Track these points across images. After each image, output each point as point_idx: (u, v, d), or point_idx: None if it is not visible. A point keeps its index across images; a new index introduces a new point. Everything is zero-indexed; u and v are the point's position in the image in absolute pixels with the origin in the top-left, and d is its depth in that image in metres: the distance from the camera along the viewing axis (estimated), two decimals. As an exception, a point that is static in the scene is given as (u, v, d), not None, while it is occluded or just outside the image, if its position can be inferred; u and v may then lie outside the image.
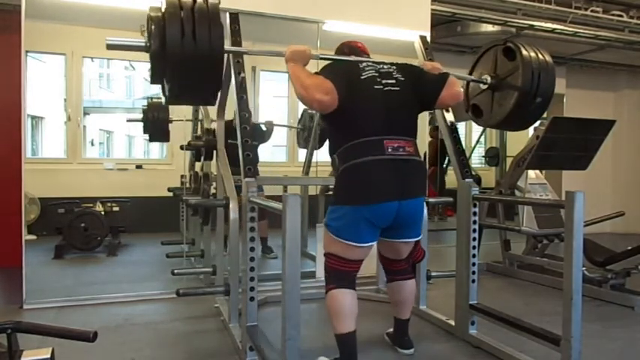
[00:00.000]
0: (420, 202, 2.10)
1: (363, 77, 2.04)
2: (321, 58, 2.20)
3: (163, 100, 2.10)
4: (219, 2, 1.97)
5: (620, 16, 5.06)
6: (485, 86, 2.69)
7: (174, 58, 1.82)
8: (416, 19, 3.48)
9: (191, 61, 1.83)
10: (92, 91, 6.39)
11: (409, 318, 2.39)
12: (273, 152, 6.22)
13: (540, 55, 2.58)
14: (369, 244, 2.07)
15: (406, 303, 2.35)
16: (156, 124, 4.45)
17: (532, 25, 4.83)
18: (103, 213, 4.70)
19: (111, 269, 4.25)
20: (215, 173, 3.53)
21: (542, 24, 4.83)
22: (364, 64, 2.12)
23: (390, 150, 1.95)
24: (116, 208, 4.88)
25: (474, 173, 2.92)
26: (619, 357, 2.50)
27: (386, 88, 2.04)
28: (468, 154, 3.62)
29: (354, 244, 2.01)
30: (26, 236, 3.32)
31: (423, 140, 4.86)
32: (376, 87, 2.03)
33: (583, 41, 5.26)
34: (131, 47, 2.05)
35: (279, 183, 3.90)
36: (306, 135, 4.85)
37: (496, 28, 4.94)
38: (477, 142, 7.33)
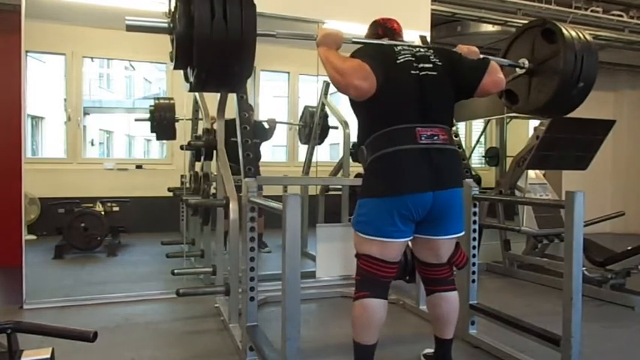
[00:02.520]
0: (458, 193, 1.92)
1: (399, 61, 1.90)
2: (354, 42, 2.05)
3: (187, 87, 1.92)
4: None
5: (620, 16, 5.06)
6: (523, 70, 2.49)
7: (203, 41, 1.63)
8: (416, 19, 3.48)
9: (222, 44, 1.65)
10: (92, 91, 6.39)
11: (452, 338, 2.09)
12: (273, 152, 6.23)
13: (582, 37, 2.38)
14: (404, 239, 1.89)
15: (448, 319, 2.05)
16: (163, 124, 4.50)
17: (532, 25, 4.83)
18: (103, 213, 4.70)
19: (111, 269, 4.25)
20: (215, 173, 3.53)
21: (542, 24, 4.82)
22: (399, 47, 1.97)
23: (423, 139, 1.82)
24: (116, 208, 4.88)
25: (473, 173, 2.90)
26: (619, 357, 2.50)
27: (422, 73, 1.89)
28: (468, 154, 3.62)
29: (387, 239, 1.83)
30: (26, 236, 3.32)
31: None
32: (412, 72, 1.88)
33: (583, 41, 5.26)
34: (153, 29, 1.90)
35: (279, 183, 3.90)
36: (307, 132, 4.86)
37: (496, 28, 4.95)
38: (477, 142, 7.32)
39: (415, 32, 3.39)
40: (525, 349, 2.31)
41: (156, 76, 6.69)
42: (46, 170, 5.10)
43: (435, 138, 1.84)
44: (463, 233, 2.06)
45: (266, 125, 4.80)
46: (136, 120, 5.27)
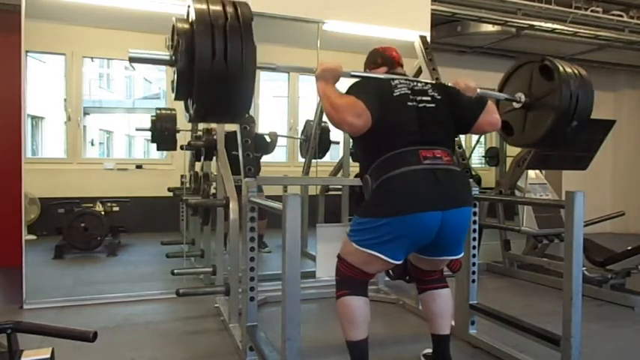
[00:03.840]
0: (468, 212, 1.90)
1: (395, 94, 1.91)
2: (352, 76, 2.06)
3: (187, 117, 1.96)
4: (252, 18, 1.79)
5: (620, 16, 5.06)
6: (519, 105, 2.53)
7: (203, 79, 1.66)
8: (416, 19, 3.47)
9: (222, 81, 1.67)
10: (92, 91, 6.40)
11: (449, 334, 2.11)
12: (273, 152, 6.22)
13: (579, 75, 2.44)
14: (398, 261, 1.86)
15: (444, 315, 2.10)
16: (164, 134, 4.46)
17: (532, 25, 4.84)
18: (103, 213, 4.71)
19: (111, 269, 4.25)
20: (215, 173, 3.53)
21: (542, 24, 4.83)
22: (396, 81, 1.98)
23: (426, 160, 1.80)
24: (116, 208, 4.88)
25: (473, 173, 2.90)
26: (619, 357, 2.50)
27: (420, 105, 1.91)
28: (467, 154, 3.62)
29: (383, 257, 1.80)
30: (26, 236, 3.32)
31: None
32: (409, 104, 1.90)
33: (583, 41, 5.26)
34: (155, 61, 1.94)
35: (279, 183, 3.90)
36: (308, 146, 4.81)
37: (496, 28, 4.95)
38: (477, 142, 7.32)
39: (415, 32, 3.39)
40: (525, 349, 2.31)
41: (156, 76, 6.69)
42: (46, 170, 5.10)
43: (439, 159, 1.83)
44: (463, 254, 2.07)
45: (267, 139, 4.82)
46: (137, 129, 5.27)
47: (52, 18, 3.93)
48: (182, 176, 4.79)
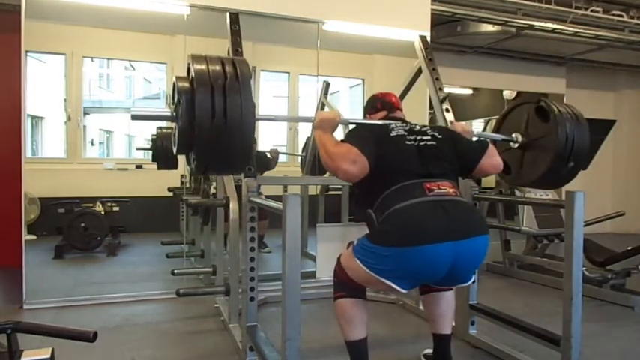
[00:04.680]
0: (484, 241, 1.77)
1: (392, 135, 1.91)
2: (350, 123, 2.08)
3: (188, 169, 1.99)
4: (251, 75, 1.82)
5: (620, 16, 5.06)
6: (516, 145, 2.57)
7: (204, 138, 1.69)
8: (416, 19, 3.48)
9: (221, 139, 1.69)
10: (92, 91, 6.39)
11: (450, 334, 2.11)
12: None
13: (574, 116, 2.46)
14: (403, 290, 1.77)
15: (446, 315, 2.09)
16: (164, 154, 4.43)
17: (532, 25, 4.83)
18: (103, 213, 4.70)
19: (111, 269, 4.25)
20: (215, 173, 3.53)
21: (542, 24, 4.83)
22: (393, 125, 1.97)
23: (431, 193, 1.75)
24: (116, 208, 4.87)
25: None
26: (619, 357, 2.50)
27: (421, 143, 1.89)
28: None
29: (393, 285, 1.73)
30: (26, 236, 3.32)
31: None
32: (407, 143, 1.88)
33: (583, 41, 5.26)
34: (157, 117, 2.00)
35: (279, 183, 3.89)
36: (310, 164, 4.75)
37: (496, 28, 4.94)
38: (477, 142, 7.33)
39: (415, 32, 3.39)
40: (525, 349, 2.31)
41: (156, 76, 6.69)
42: (46, 170, 5.09)
43: (444, 191, 1.78)
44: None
45: (268, 155, 4.82)
46: (138, 149, 5.26)
47: (52, 18, 3.93)
48: (182, 176, 4.79)
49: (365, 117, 2.26)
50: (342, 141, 1.89)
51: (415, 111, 4.21)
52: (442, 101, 3.00)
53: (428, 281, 1.88)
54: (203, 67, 1.73)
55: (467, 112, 7.36)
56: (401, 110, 2.22)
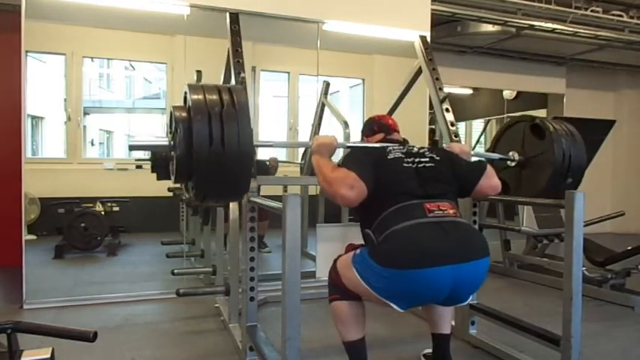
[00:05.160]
0: (484, 264, 1.75)
1: (389, 157, 1.90)
2: (347, 147, 2.08)
3: (186, 195, 2.00)
4: (247, 102, 1.81)
5: (620, 16, 5.06)
6: (513, 163, 2.59)
7: (202, 167, 1.70)
8: (416, 19, 3.47)
9: (219, 167, 1.70)
10: (92, 91, 6.38)
11: (449, 334, 2.11)
12: (273, 152, 6.21)
13: (569, 133, 2.47)
14: (399, 309, 1.76)
15: (445, 315, 2.09)
16: (164, 164, 4.42)
17: (532, 25, 4.83)
18: (103, 213, 4.70)
19: (111, 269, 4.25)
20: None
21: (542, 24, 4.82)
22: (390, 147, 1.96)
23: (431, 214, 1.73)
24: (116, 208, 4.87)
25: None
26: (619, 357, 2.50)
27: (420, 165, 1.88)
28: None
29: (391, 304, 1.72)
30: (26, 236, 3.32)
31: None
32: (405, 165, 1.87)
33: (583, 41, 5.26)
34: (155, 147, 2.00)
35: (279, 183, 3.89)
36: (309, 169, 4.75)
37: (496, 28, 4.94)
38: (477, 142, 7.33)
39: (415, 32, 3.39)
40: (525, 349, 2.31)
41: (156, 76, 6.68)
42: (46, 170, 5.09)
43: (444, 212, 1.76)
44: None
45: (268, 164, 4.82)
46: (137, 160, 5.25)
47: (52, 18, 3.93)
48: (182, 176, 4.79)
49: (362, 139, 2.26)
50: (339, 165, 1.87)
51: (415, 111, 4.21)
52: (442, 101, 3.00)
53: (427, 303, 1.87)
54: (200, 96, 1.73)
55: (467, 112, 7.37)
56: (398, 132, 2.21)
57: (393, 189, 1.80)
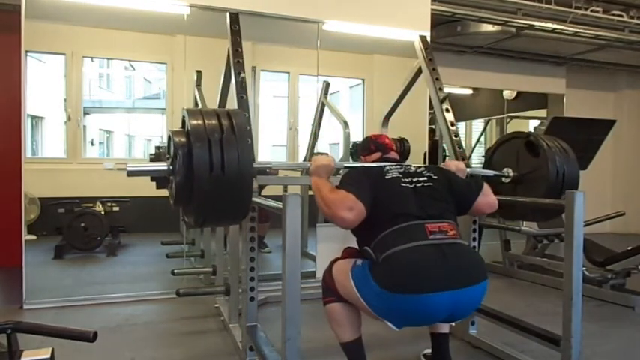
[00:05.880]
0: (482, 289, 1.75)
1: (387, 177, 1.91)
2: (345, 167, 2.11)
3: (186, 219, 2.01)
4: (247, 126, 1.83)
5: (620, 16, 5.06)
6: (508, 180, 2.61)
7: (202, 193, 1.69)
8: (416, 19, 3.48)
9: (220, 192, 1.70)
10: (92, 91, 6.38)
11: (448, 333, 2.12)
12: (273, 152, 6.22)
13: (562, 149, 2.50)
14: (399, 329, 1.75)
15: None
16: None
17: (532, 25, 4.83)
18: (103, 213, 4.70)
19: (111, 269, 4.25)
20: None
21: (542, 24, 4.82)
22: (387, 167, 1.97)
23: (432, 235, 1.72)
24: (116, 208, 4.87)
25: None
26: (619, 357, 2.50)
27: (418, 185, 1.88)
28: (468, 154, 3.62)
29: (387, 323, 1.72)
30: (26, 236, 3.32)
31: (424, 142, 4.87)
32: (402, 185, 1.88)
33: (583, 41, 5.26)
34: (154, 172, 2.03)
35: (279, 183, 3.89)
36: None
37: (496, 28, 4.94)
38: (477, 141, 7.33)
39: (415, 32, 3.39)
40: (525, 349, 2.31)
41: (156, 76, 6.68)
42: (46, 170, 5.08)
43: (445, 233, 1.76)
44: None
45: (268, 170, 4.80)
46: (129, 174, 5.24)
47: (52, 18, 3.93)
48: (182, 176, 4.79)
49: (359, 159, 2.27)
50: (337, 187, 1.87)
51: (415, 111, 4.21)
52: (442, 101, 3.00)
53: (424, 324, 1.88)
54: (199, 122, 1.72)
55: (467, 112, 7.36)
56: (395, 151, 2.24)
57: (391, 209, 1.80)
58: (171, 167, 1.83)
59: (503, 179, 2.61)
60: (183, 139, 1.74)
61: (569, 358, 1.94)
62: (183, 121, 1.81)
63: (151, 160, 4.57)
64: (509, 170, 2.60)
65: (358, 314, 1.93)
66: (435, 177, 1.95)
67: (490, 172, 2.63)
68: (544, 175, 2.42)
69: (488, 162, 2.78)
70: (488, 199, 2.03)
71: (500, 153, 2.75)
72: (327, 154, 2.40)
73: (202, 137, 1.68)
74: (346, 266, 1.87)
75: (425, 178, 1.93)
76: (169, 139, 1.81)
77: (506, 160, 2.65)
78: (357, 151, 2.30)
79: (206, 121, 1.73)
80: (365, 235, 1.83)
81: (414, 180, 1.90)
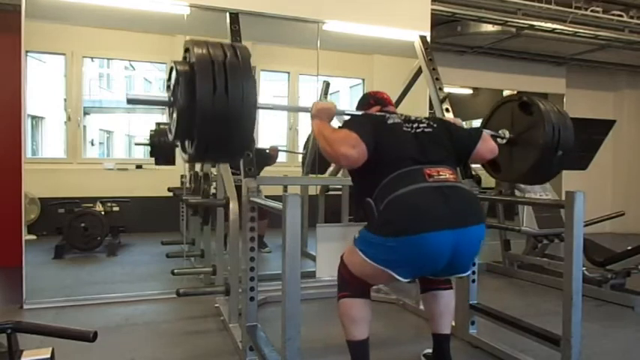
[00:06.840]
0: (481, 230, 1.80)
1: (389, 122, 1.92)
2: (346, 114, 2.11)
3: (186, 157, 1.98)
4: (250, 56, 1.79)
5: (620, 16, 5.06)
6: (504, 141, 2.59)
7: (205, 115, 1.65)
8: (416, 19, 3.48)
9: (223, 117, 1.68)
10: (92, 91, 6.38)
11: (449, 334, 2.12)
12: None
13: (556, 110, 2.50)
14: (406, 280, 1.80)
15: (444, 314, 2.09)
16: (162, 149, 4.48)
17: (532, 25, 4.84)
18: (103, 213, 4.71)
19: (111, 269, 4.24)
20: (215, 173, 3.53)
21: (542, 24, 4.83)
22: (388, 114, 1.99)
23: (431, 179, 1.76)
24: (116, 208, 4.88)
25: (474, 173, 2.91)
26: (619, 357, 2.50)
27: (418, 130, 1.91)
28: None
29: (394, 274, 1.74)
30: (26, 236, 3.32)
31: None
32: (405, 129, 1.91)
33: (583, 41, 5.26)
34: (153, 102, 1.97)
35: (279, 183, 3.89)
36: (310, 161, 4.73)
37: (496, 28, 4.95)
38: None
39: (415, 32, 3.39)
40: (525, 349, 2.31)
41: (156, 76, 6.68)
42: (46, 170, 5.09)
43: (444, 176, 1.79)
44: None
45: (268, 152, 4.82)
46: (136, 144, 5.27)
47: (52, 18, 3.93)
48: (182, 176, 4.79)
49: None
50: (339, 127, 1.91)
51: (415, 111, 4.21)
52: (442, 101, 3.00)
53: (429, 271, 1.86)
54: (203, 49, 1.71)
55: (467, 112, 7.36)
56: (393, 106, 2.26)
57: (392, 154, 1.83)
58: (172, 98, 1.80)
59: (499, 140, 2.59)
60: (185, 67, 1.72)
61: (569, 358, 1.94)
62: (185, 55, 1.79)
63: (151, 137, 4.60)
64: (506, 131, 2.59)
65: (370, 314, 1.93)
66: (435, 125, 1.99)
67: (487, 132, 2.64)
68: (540, 131, 2.41)
69: (484, 127, 2.76)
70: (488, 144, 2.07)
71: (495, 118, 2.74)
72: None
73: (206, 59, 1.67)
74: (350, 247, 1.90)
75: (425, 124, 1.96)
76: (171, 69, 1.79)
77: (502, 125, 2.65)
78: (356, 107, 2.30)
79: (210, 49, 1.72)
80: (367, 184, 1.85)
81: (414, 126, 1.94)
